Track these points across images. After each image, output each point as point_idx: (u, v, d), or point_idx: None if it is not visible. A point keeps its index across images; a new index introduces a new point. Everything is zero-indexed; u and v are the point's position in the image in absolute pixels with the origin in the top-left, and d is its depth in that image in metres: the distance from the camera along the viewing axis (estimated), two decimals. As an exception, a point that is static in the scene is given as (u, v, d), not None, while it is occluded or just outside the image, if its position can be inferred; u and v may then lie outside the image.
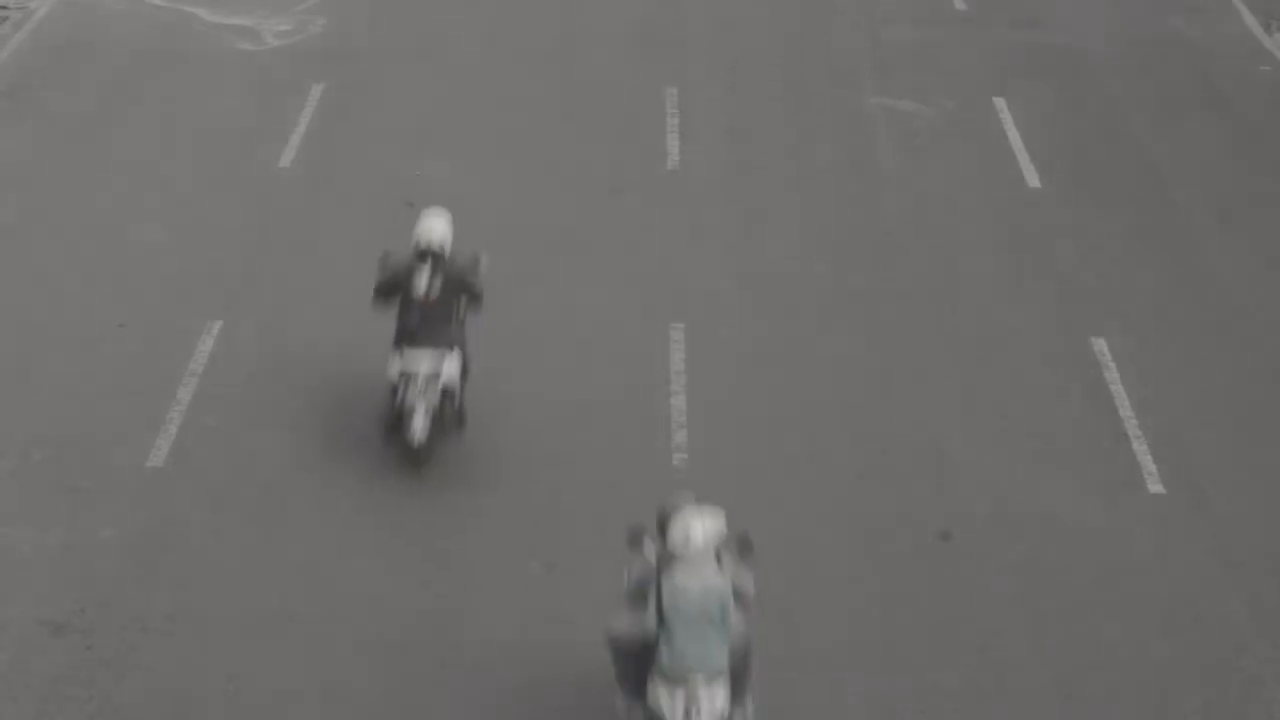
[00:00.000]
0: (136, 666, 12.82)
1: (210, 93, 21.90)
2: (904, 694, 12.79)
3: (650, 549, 11.64)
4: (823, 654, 13.14)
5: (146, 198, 19.39)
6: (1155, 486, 15.09)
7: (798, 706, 12.67)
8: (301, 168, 20.06)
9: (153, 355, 16.52)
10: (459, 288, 14.74)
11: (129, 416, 15.61)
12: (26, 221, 18.91)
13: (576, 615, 13.44)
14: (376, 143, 20.60)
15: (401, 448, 14.82)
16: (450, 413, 14.85)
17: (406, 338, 14.65)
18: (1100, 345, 17.00)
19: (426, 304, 14.62)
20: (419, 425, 14.62)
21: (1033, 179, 20.22)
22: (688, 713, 11.41)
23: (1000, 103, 22.02)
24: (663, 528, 11.40)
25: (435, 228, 14.70)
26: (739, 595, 11.48)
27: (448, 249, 14.71)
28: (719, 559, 11.46)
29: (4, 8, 24.32)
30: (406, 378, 14.60)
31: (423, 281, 14.61)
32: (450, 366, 14.66)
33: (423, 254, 14.64)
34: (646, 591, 11.45)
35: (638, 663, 11.64)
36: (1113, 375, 16.56)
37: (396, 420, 14.74)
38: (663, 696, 11.45)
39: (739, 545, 11.78)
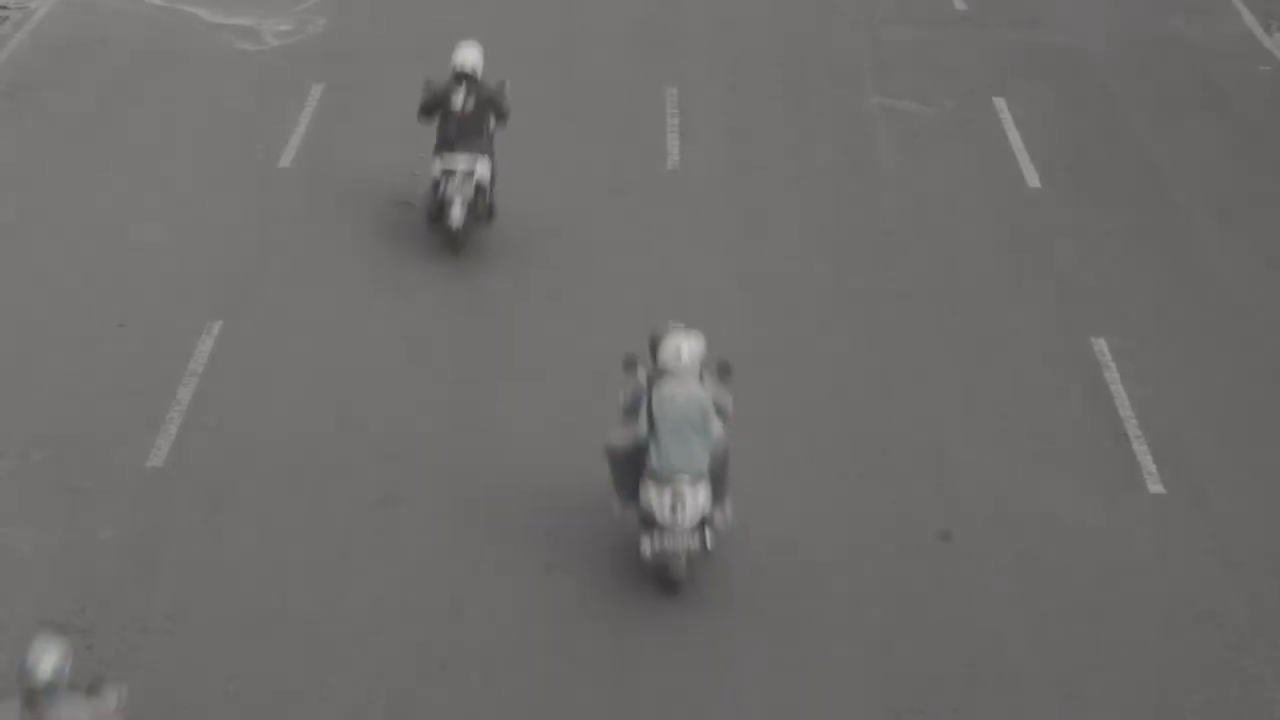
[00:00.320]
0: (136, 666, 12.81)
1: (210, 93, 21.90)
2: (904, 694, 12.79)
3: (642, 373, 13.55)
4: (823, 654, 13.15)
5: (146, 198, 19.39)
6: (1155, 486, 15.09)
7: (798, 706, 12.68)
8: (301, 168, 20.07)
9: (153, 355, 16.52)
10: (489, 106, 17.72)
11: (129, 416, 15.61)
12: (26, 221, 18.91)
13: (576, 613, 13.45)
14: (376, 143, 20.60)
15: (442, 233, 17.94)
16: (482, 205, 17.92)
17: (446, 145, 17.70)
18: (1100, 345, 17.00)
19: (463, 117, 17.62)
20: (457, 213, 17.66)
21: (1033, 179, 20.21)
22: (674, 508, 13.25)
23: (1000, 103, 22.02)
24: (654, 349, 13.39)
25: (469, 54, 17.75)
26: (719, 409, 13.40)
27: (479, 73, 17.71)
28: (702, 378, 13.39)
29: (4, 8, 24.32)
30: (447, 175, 17.67)
31: (459, 98, 17.63)
32: (482, 168, 17.69)
33: (459, 76, 17.67)
34: (639, 406, 13.37)
35: (631, 470, 13.52)
36: (1113, 375, 16.56)
37: (439, 210, 17.81)
38: (653, 495, 13.29)
39: (719, 368, 13.76)
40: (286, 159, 20.22)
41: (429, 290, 17.68)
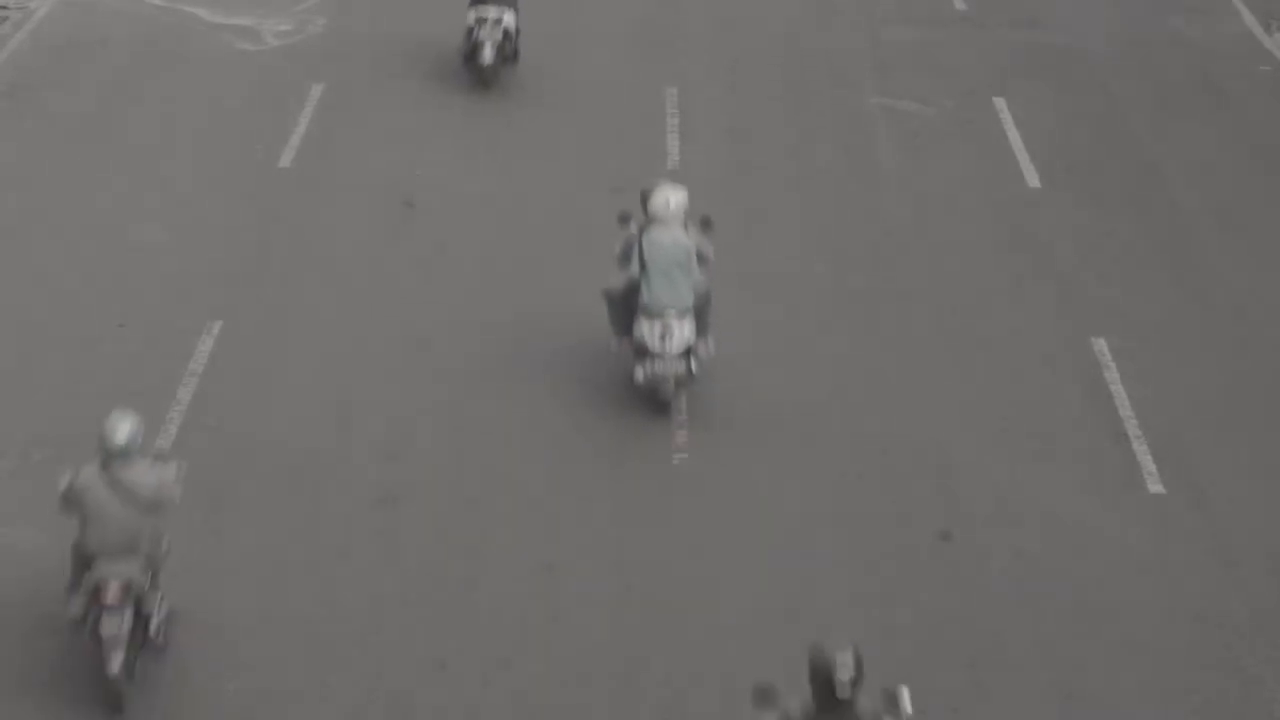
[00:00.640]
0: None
1: (210, 93, 21.90)
2: (904, 694, 12.78)
3: (634, 225, 15.43)
4: (823, 654, 13.13)
5: (146, 198, 19.39)
6: (1155, 486, 15.09)
7: (798, 706, 12.66)
8: (301, 168, 20.06)
9: (153, 355, 16.51)
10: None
11: (129, 416, 15.58)
12: (26, 221, 18.90)
13: (576, 615, 13.45)
14: (376, 143, 20.60)
15: (475, 71, 21.44)
16: (509, 49, 21.52)
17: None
18: (1100, 345, 16.99)
19: None
20: (488, 53, 21.24)
21: (1033, 179, 20.21)
22: (663, 338, 15.23)
23: (1000, 103, 22.01)
24: (644, 201, 15.35)
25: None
26: (700, 255, 15.38)
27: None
28: (686, 227, 15.33)
29: (4, 8, 24.31)
30: (480, 21, 21.16)
31: None
32: (509, 18, 21.28)
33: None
34: (631, 253, 15.33)
35: (625, 310, 15.51)
36: (1113, 375, 16.56)
37: (472, 51, 21.31)
38: (644, 328, 15.28)
39: (701, 222, 15.78)
40: (286, 159, 20.21)
41: (429, 290, 17.68)
